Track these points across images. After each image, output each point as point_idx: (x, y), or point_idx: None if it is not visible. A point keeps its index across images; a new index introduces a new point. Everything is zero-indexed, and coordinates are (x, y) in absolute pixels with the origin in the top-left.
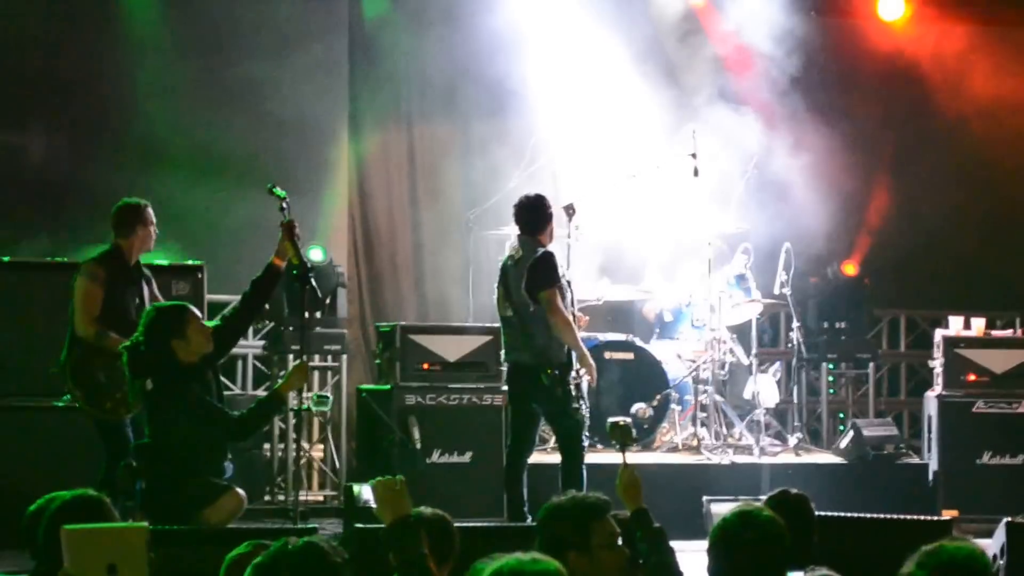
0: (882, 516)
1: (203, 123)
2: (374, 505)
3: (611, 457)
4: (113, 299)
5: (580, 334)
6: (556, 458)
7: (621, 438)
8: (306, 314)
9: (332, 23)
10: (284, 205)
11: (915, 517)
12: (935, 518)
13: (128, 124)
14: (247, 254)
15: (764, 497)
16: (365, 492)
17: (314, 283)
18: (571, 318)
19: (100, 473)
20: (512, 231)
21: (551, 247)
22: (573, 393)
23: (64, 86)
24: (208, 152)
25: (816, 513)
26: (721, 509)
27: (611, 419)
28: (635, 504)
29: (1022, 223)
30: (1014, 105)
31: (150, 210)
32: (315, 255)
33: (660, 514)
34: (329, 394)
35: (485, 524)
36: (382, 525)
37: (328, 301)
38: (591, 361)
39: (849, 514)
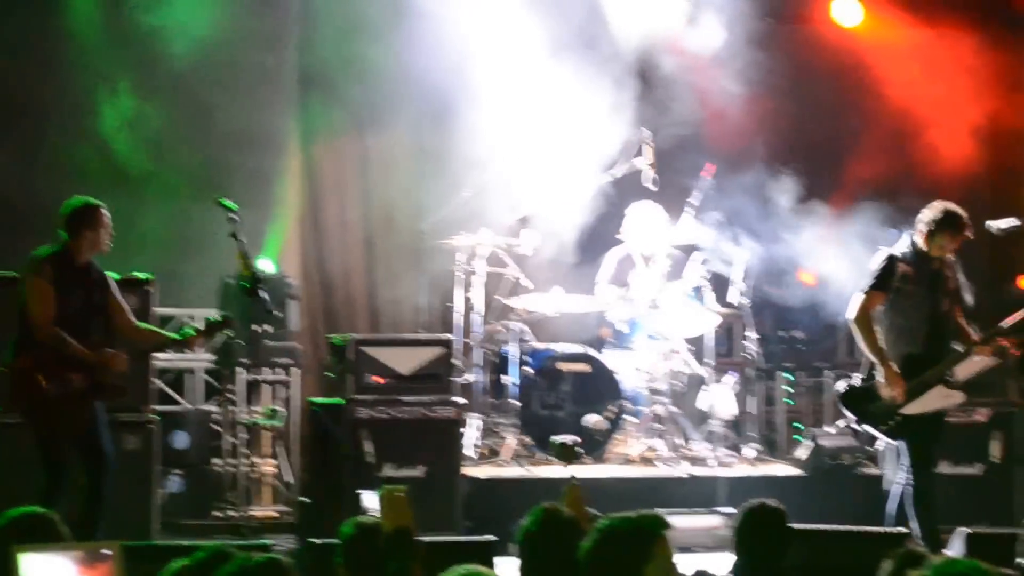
0: (839, 527)
1: (151, 135)
2: (376, 513)
3: (563, 471)
4: (61, 300)
5: (536, 345)
6: (509, 472)
7: (566, 456)
8: (256, 327)
9: (281, 34)
10: (233, 217)
11: (872, 528)
12: (892, 529)
13: (73, 138)
14: (196, 267)
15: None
16: (368, 499)
17: (264, 295)
18: None
19: (40, 489)
20: (465, 241)
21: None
22: None
23: (6, 102)
24: (156, 165)
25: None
26: (676, 522)
27: (554, 437)
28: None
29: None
30: (969, 110)
31: (102, 212)
32: (265, 266)
33: None
34: (280, 408)
35: (441, 539)
36: (336, 541)
37: (279, 314)
38: None
39: (806, 525)
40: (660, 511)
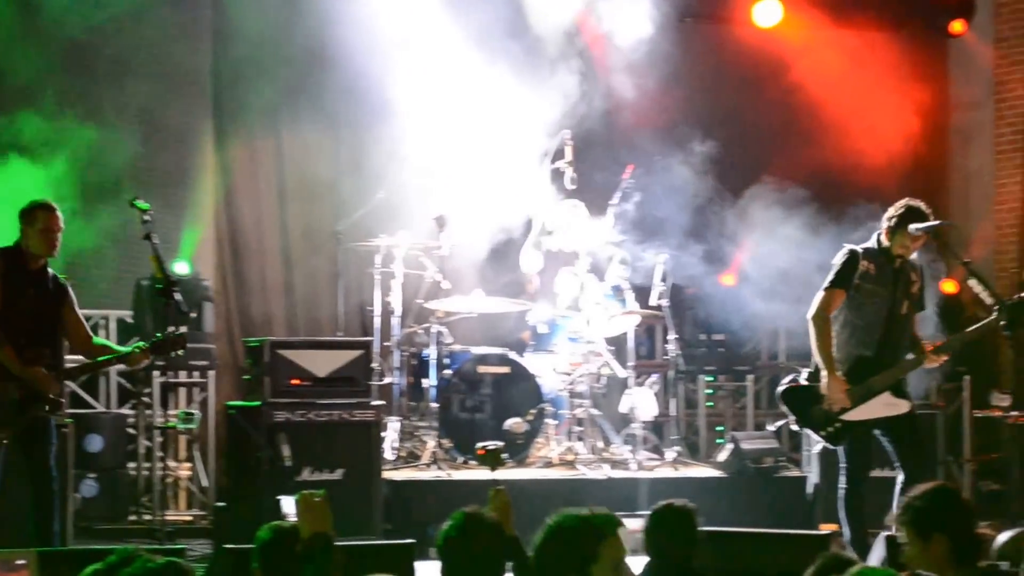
0: (760, 530)
1: (64, 134)
2: (294, 518)
3: (483, 474)
4: (8, 295)
5: (455, 347)
6: (428, 475)
7: (492, 463)
8: (171, 329)
9: (195, 30)
10: (147, 218)
11: (793, 531)
12: (814, 532)
13: None
14: (109, 268)
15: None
16: (287, 505)
17: (179, 297)
18: None
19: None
20: (383, 242)
21: None
22: None
23: None
24: (69, 164)
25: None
26: None
27: (481, 444)
28: (506, 531)
29: None
30: (890, 111)
31: (42, 212)
32: (180, 268)
33: (534, 530)
34: (196, 411)
35: (360, 543)
36: (252, 546)
37: (194, 316)
38: None
39: (727, 528)
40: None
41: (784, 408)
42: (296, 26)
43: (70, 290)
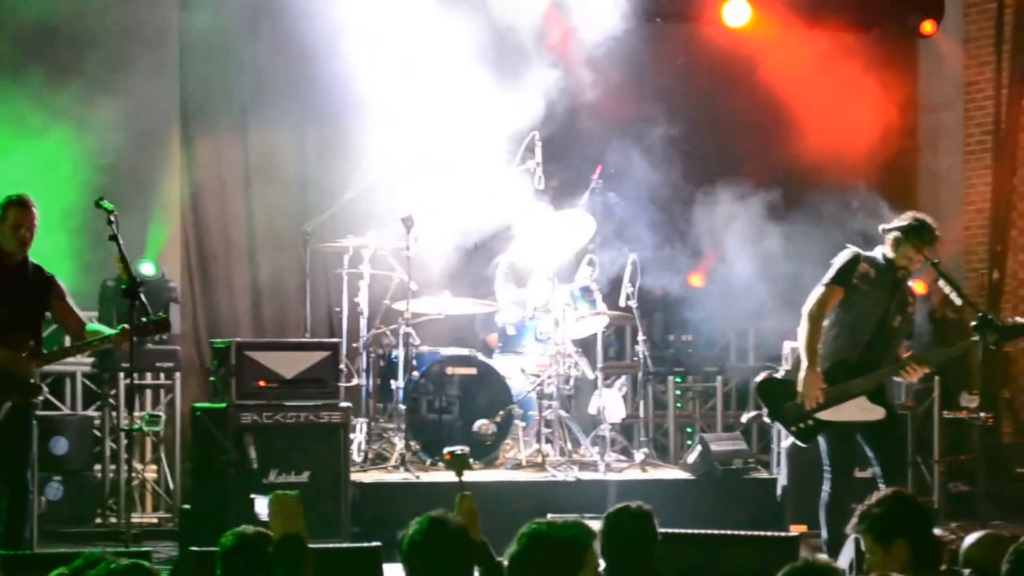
0: (730, 532)
1: (31, 133)
2: (267, 518)
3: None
4: None
5: (423, 349)
6: (396, 477)
7: (459, 467)
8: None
9: (162, 30)
10: (112, 219)
11: (763, 533)
12: (783, 534)
13: None
14: (75, 269)
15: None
16: (260, 505)
17: (144, 299)
18: None
19: None
20: (351, 243)
21: None
22: None
23: None
24: (36, 165)
25: (661, 529)
26: None
27: (448, 449)
28: (473, 538)
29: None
30: (859, 111)
31: (13, 208)
32: (146, 269)
33: (503, 533)
34: (161, 413)
35: (328, 545)
36: (215, 549)
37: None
38: None
39: (696, 530)
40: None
41: (758, 400)
42: (264, 25)
43: (57, 281)
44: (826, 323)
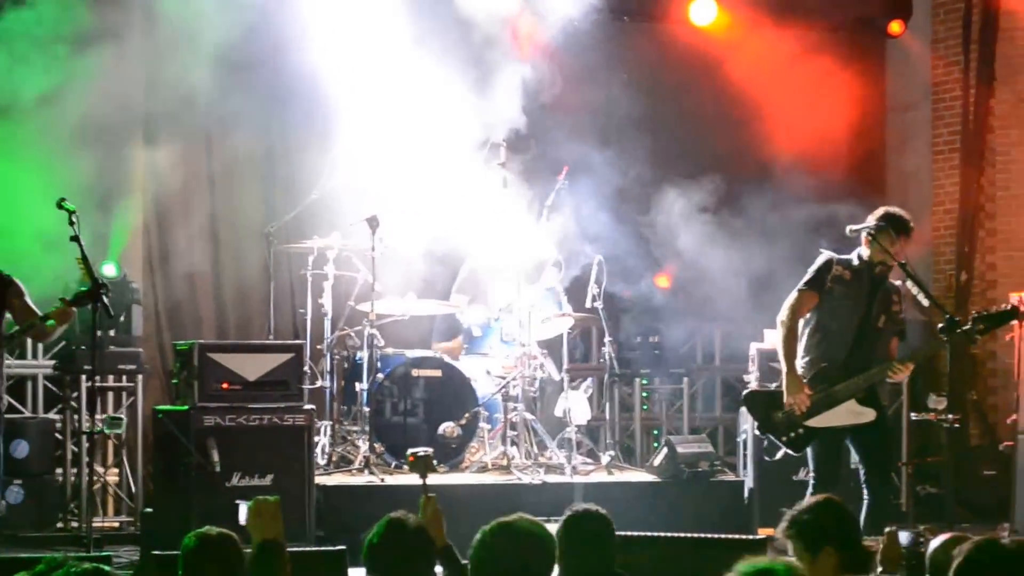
0: (696, 535)
1: None
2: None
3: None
4: None
5: (388, 350)
6: (361, 480)
7: (423, 470)
8: (98, 332)
9: (125, 26)
10: (73, 220)
11: (730, 536)
12: (750, 536)
13: None
14: (36, 269)
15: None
16: (242, 511)
17: (106, 300)
18: None
19: None
20: (315, 244)
21: None
22: None
23: None
24: None
25: (628, 532)
26: None
27: (411, 450)
28: (438, 541)
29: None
30: (827, 111)
31: None
32: (108, 270)
33: (469, 536)
34: (123, 416)
35: (292, 549)
36: (178, 553)
37: (122, 319)
38: None
39: (662, 533)
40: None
41: (749, 415)
42: (228, 25)
43: (16, 282)
44: (808, 330)
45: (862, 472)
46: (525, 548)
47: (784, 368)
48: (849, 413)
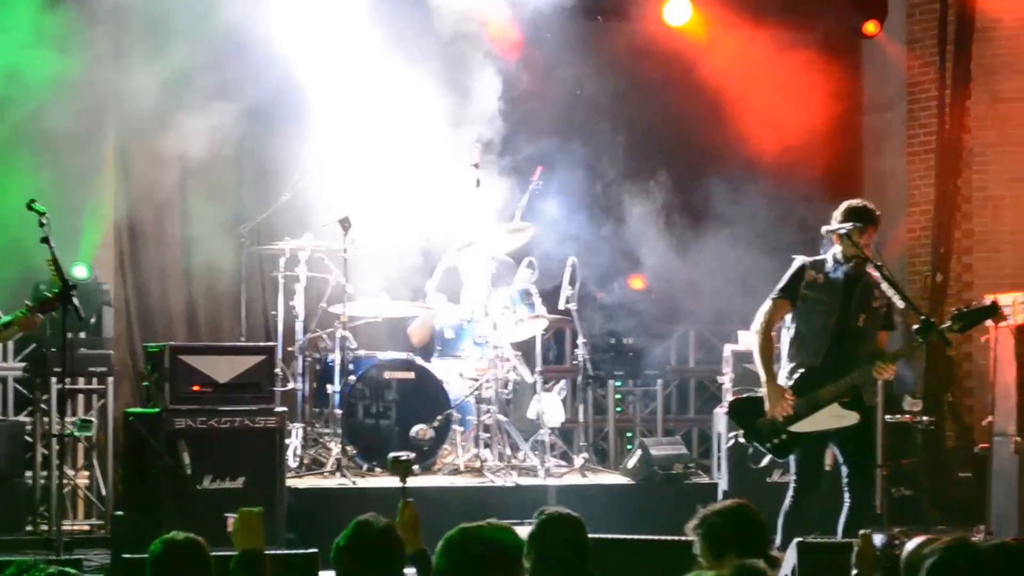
0: (670, 537)
1: None
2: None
3: (388, 482)
4: None
5: (360, 353)
6: (333, 483)
7: (402, 473)
8: (69, 334)
9: (94, 30)
10: (43, 221)
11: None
12: None
13: None
14: (6, 271)
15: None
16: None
17: (76, 302)
18: None
19: None
20: (287, 245)
21: None
22: None
23: None
24: None
25: (601, 535)
26: None
27: (392, 454)
28: (414, 546)
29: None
30: (803, 112)
31: None
32: (78, 272)
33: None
34: (94, 418)
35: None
36: (146, 556)
37: (92, 320)
38: None
39: (635, 536)
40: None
41: (733, 423)
42: (199, 24)
43: None
44: (788, 336)
45: (844, 474)
46: (488, 555)
47: (764, 377)
48: (832, 417)
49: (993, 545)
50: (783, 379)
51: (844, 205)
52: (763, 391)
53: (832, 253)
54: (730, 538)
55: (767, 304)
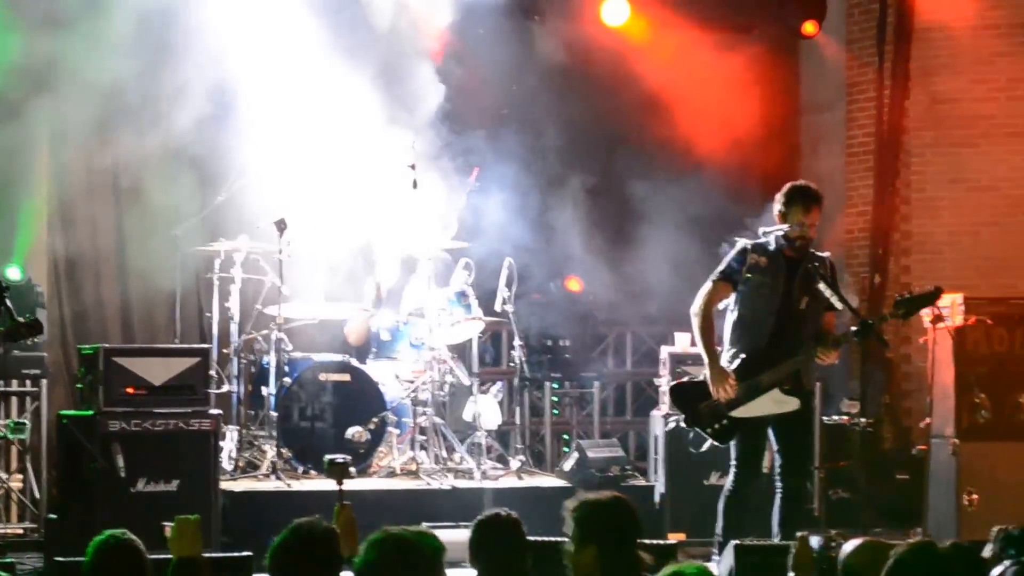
0: None
1: None
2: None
3: (324, 485)
4: None
5: (295, 355)
6: (267, 486)
7: (339, 476)
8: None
9: (32, 25)
10: None
11: (641, 541)
12: (661, 542)
13: None
14: None
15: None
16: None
17: (9, 303)
18: None
19: None
20: (222, 247)
21: None
22: None
23: None
24: None
25: (539, 537)
26: (442, 536)
27: (328, 456)
28: (351, 550)
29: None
30: (741, 112)
31: None
32: (12, 273)
33: None
34: (27, 421)
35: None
36: (82, 559)
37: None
38: None
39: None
40: (427, 525)
41: (675, 408)
42: (133, 22)
43: None
44: (731, 320)
45: (777, 462)
46: (408, 559)
47: (706, 359)
48: (773, 402)
49: (952, 546)
50: (724, 363)
51: (787, 186)
52: (705, 374)
53: (775, 235)
54: (594, 530)
55: (707, 286)
